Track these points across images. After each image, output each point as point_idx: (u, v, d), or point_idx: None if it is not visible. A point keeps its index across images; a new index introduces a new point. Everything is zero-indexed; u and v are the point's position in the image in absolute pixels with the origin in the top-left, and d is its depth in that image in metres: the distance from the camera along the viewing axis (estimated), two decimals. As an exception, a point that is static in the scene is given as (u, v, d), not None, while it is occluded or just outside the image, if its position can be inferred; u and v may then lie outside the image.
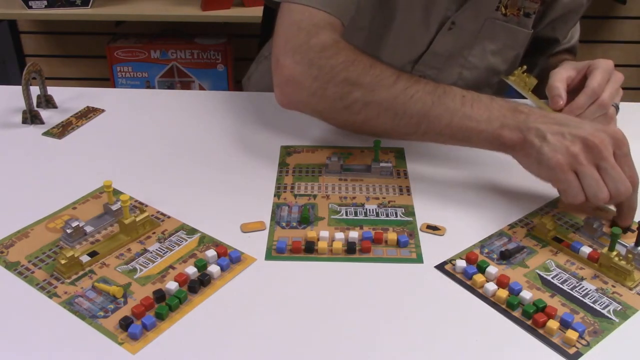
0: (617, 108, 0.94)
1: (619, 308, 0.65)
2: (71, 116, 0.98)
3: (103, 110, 1.00)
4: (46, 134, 0.94)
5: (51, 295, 0.66)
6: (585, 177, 0.70)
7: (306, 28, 0.84)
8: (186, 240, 0.73)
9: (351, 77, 0.81)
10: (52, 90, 1.02)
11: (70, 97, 1.04)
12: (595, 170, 0.70)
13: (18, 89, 0.95)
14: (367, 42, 1.01)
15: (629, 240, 0.73)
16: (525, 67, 0.99)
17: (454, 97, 0.78)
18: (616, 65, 0.93)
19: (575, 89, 0.92)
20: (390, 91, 0.79)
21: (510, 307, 0.65)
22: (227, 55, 2.01)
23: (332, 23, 0.86)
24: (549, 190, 0.82)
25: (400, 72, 0.81)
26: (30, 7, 1.83)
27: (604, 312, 0.65)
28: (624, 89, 0.95)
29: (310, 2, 0.86)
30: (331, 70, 0.81)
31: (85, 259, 0.69)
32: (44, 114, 0.98)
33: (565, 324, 0.62)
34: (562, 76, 0.92)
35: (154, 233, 0.74)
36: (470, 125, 0.76)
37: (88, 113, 1.00)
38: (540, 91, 0.97)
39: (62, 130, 0.95)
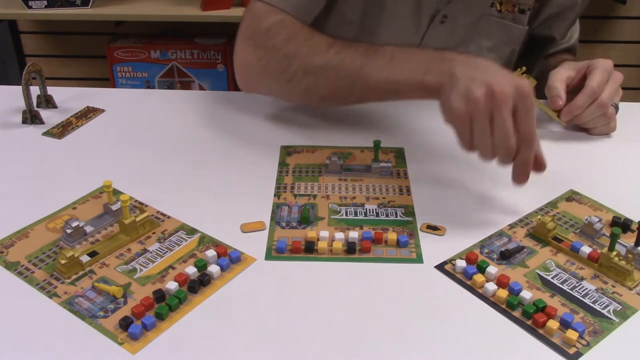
0: (616, 108, 0.95)
1: (619, 308, 0.65)
2: (71, 116, 0.98)
3: (103, 110, 1.00)
4: (46, 134, 0.94)
5: (51, 295, 0.66)
6: (475, 124, 0.71)
7: (260, 16, 0.91)
8: (186, 240, 0.73)
9: (290, 50, 0.85)
10: (52, 90, 1.02)
11: (70, 97, 1.04)
12: (487, 119, 0.70)
13: (18, 89, 0.95)
14: (358, 36, 1.02)
15: (629, 240, 0.73)
16: (524, 68, 0.99)
17: (384, 55, 0.81)
18: (616, 65, 0.93)
19: (575, 89, 0.93)
20: (324, 56, 0.83)
21: (510, 307, 0.65)
22: (227, 55, 2.01)
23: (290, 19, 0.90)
24: (549, 190, 0.82)
25: (336, 39, 0.85)
26: (30, 7, 1.83)
27: (604, 312, 0.65)
28: (624, 89, 0.95)
29: (272, 1, 0.91)
30: (273, 47, 0.87)
31: (85, 259, 0.69)
32: (44, 114, 0.98)
33: (565, 324, 0.62)
34: (561, 76, 0.93)
35: (154, 233, 0.74)
36: (396, 78, 0.79)
37: (88, 113, 1.00)
38: (539, 91, 0.97)
39: (62, 130, 0.95)
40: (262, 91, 0.93)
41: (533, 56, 1.14)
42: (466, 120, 0.71)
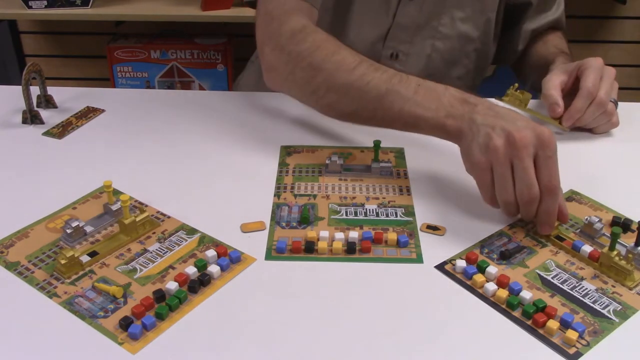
0: (615, 103, 0.94)
1: (619, 308, 0.65)
2: (71, 116, 0.98)
3: (103, 110, 1.00)
4: (46, 134, 0.94)
5: (51, 295, 0.66)
6: (495, 173, 0.71)
7: (277, 16, 0.89)
8: (186, 240, 0.73)
9: (315, 62, 0.84)
10: (52, 90, 1.02)
11: (70, 97, 1.04)
12: (508, 168, 0.70)
13: (18, 89, 0.95)
14: (333, 23, 1.03)
15: (629, 240, 0.73)
16: (517, 85, 0.99)
17: (408, 86, 0.80)
18: (616, 65, 0.93)
19: (569, 92, 0.93)
20: (348, 77, 0.82)
21: (510, 307, 0.65)
22: (227, 55, 2.01)
23: (302, 8, 0.90)
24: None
25: (362, 59, 0.84)
26: (30, 7, 1.83)
27: (604, 312, 0.65)
28: (624, 89, 0.95)
29: None
30: (298, 55, 0.86)
31: (85, 259, 0.69)
32: (44, 114, 0.98)
33: (565, 324, 0.62)
34: (554, 83, 0.93)
35: (154, 233, 0.74)
36: (418, 113, 0.78)
37: (88, 113, 1.00)
38: (523, 82, 0.98)
39: (62, 130, 0.95)
40: (287, 93, 0.92)
41: (514, 28, 1.14)
42: (487, 171, 0.72)
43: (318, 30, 0.88)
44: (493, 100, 0.93)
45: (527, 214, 0.73)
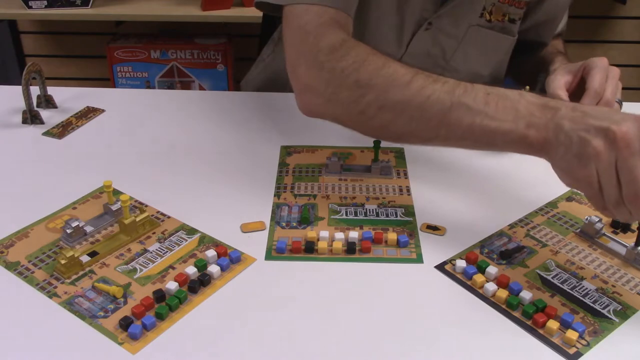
0: (620, 103, 0.94)
1: (619, 308, 0.65)
2: (71, 116, 0.98)
3: (103, 111, 1.00)
4: (46, 134, 0.94)
5: (51, 295, 0.66)
6: (602, 180, 0.61)
7: (313, 31, 0.79)
8: (186, 240, 0.73)
9: (362, 78, 0.74)
10: (52, 90, 1.02)
11: (70, 97, 1.04)
12: (614, 171, 0.60)
13: (18, 89, 0.95)
14: None
15: (629, 240, 0.73)
16: (527, 87, 0.97)
17: (476, 96, 0.69)
18: (616, 65, 0.93)
19: (574, 92, 0.92)
20: (404, 92, 0.72)
21: (510, 307, 0.65)
22: (227, 55, 2.01)
23: (338, 19, 0.81)
24: (549, 190, 0.82)
25: (416, 70, 0.73)
26: (30, 7, 1.83)
27: (604, 312, 0.65)
28: (624, 89, 0.95)
29: (312, 0, 0.80)
30: (342, 72, 0.75)
31: (85, 259, 0.69)
32: (44, 114, 0.98)
33: (565, 324, 0.62)
34: (560, 83, 0.91)
35: (154, 233, 0.74)
36: (493, 127, 0.67)
37: (88, 113, 1.00)
38: (532, 83, 0.97)
39: (62, 130, 0.95)
40: (327, 117, 0.80)
41: (524, 56, 1.13)
42: (593, 183, 0.61)
43: (360, 44, 0.77)
44: None
45: (638, 217, 0.63)
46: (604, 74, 0.89)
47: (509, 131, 0.66)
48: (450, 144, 0.73)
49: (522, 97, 0.68)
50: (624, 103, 0.97)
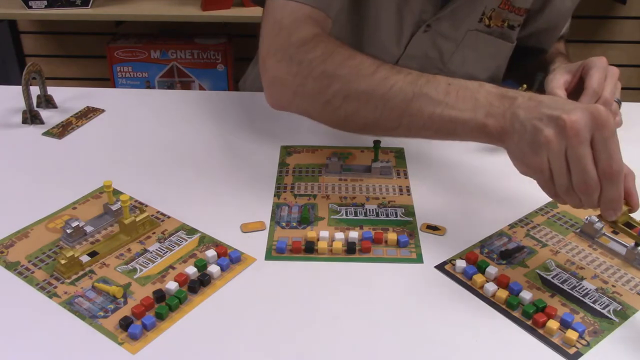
0: (619, 103, 0.94)
1: (619, 308, 0.65)
2: (71, 116, 0.98)
3: (103, 110, 1.00)
4: (46, 133, 0.94)
5: (51, 295, 0.66)
6: (553, 168, 0.63)
7: (287, 26, 0.80)
8: (186, 240, 0.73)
9: (329, 69, 0.75)
10: (52, 90, 1.02)
11: (70, 97, 1.04)
12: (563, 160, 0.62)
13: (18, 89, 0.95)
14: None
15: (629, 240, 0.73)
16: (524, 85, 0.97)
17: (437, 87, 0.71)
18: (616, 66, 0.93)
19: (572, 92, 0.92)
20: (368, 82, 0.74)
21: (510, 307, 0.65)
22: (227, 55, 2.01)
23: (315, 17, 0.81)
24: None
25: (381, 62, 0.75)
26: (30, 7, 1.83)
27: (604, 312, 0.65)
28: (624, 89, 0.95)
29: None
30: (309, 64, 0.77)
31: (85, 259, 0.69)
32: (44, 114, 0.98)
33: (565, 324, 0.62)
34: (559, 83, 0.90)
35: (154, 233, 0.74)
36: (453, 116, 0.69)
37: (88, 113, 1.00)
38: (530, 82, 0.97)
39: (62, 130, 0.95)
40: (294, 110, 0.82)
41: (524, 61, 1.12)
42: (545, 171, 0.63)
43: (331, 39, 0.79)
44: None
45: (589, 204, 0.64)
46: (603, 73, 0.89)
47: (469, 120, 0.68)
48: (413, 134, 0.74)
49: (481, 87, 0.70)
50: (623, 103, 0.97)
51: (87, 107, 1.01)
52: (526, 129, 0.64)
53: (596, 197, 0.63)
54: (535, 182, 0.76)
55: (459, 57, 1.03)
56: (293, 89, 0.79)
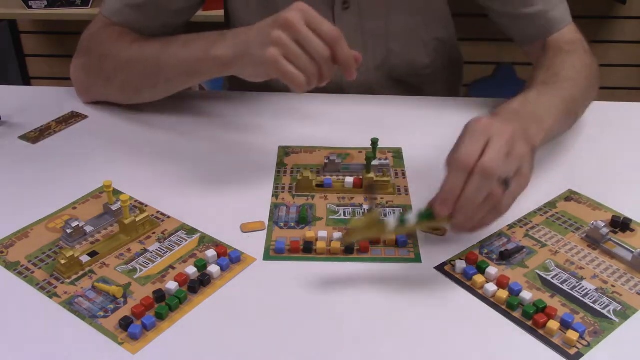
0: (507, 183, 0.67)
1: (619, 308, 0.65)
2: (52, 121, 0.98)
3: (102, 110, 1.00)
4: (22, 137, 0.94)
5: (51, 295, 0.66)
6: (290, 56, 0.71)
7: (88, 32, 0.97)
8: (186, 240, 0.73)
9: (104, 51, 0.93)
10: (43, 90, 1.01)
11: (70, 97, 1.04)
12: (295, 46, 0.71)
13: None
14: None
15: (629, 240, 0.73)
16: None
17: (177, 41, 0.86)
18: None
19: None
20: (128, 51, 0.90)
21: (510, 307, 0.65)
22: (227, 55, 2.01)
23: (113, 24, 0.96)
24: (548, 190, 0.82)
25: (145, 38, 0.91)
26: (30, 7, 1.83)
27: (604, 312, 0.65)
28: (623, 89, 0.94)
29: (104, 12, 0.97)
30: (89, 51, 0.95)
31: (85, 259, 0.69)
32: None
33: (565, 325, 0.62)
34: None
35: (154, 233, 0.74)
36: (191, 58, 0.83)
37: (70, 118, 0.99)
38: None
39: (38, 135, 0.95)
40: (96, 96, 0.98)
41: (525, 47, 1.05)
42: (280, 60, 0.71)
43: (116, 28, 0.94)
44: None
45: (323, 73, 0.73)
46: (476, 145, 0.67)
47: (203, 58, 0.81)
48: (175, 85, 0.90)
49: (212, 33, 0.82)
50: (623, 103, 0.97)
51: (72, 112, 1.00)
52: (255, 38, 0.74)
53: (325, 63, 0.72)
54: (533, 182, 0.76)
55: (395, 18, 1.01)
56: (84, 77, 0.97)
